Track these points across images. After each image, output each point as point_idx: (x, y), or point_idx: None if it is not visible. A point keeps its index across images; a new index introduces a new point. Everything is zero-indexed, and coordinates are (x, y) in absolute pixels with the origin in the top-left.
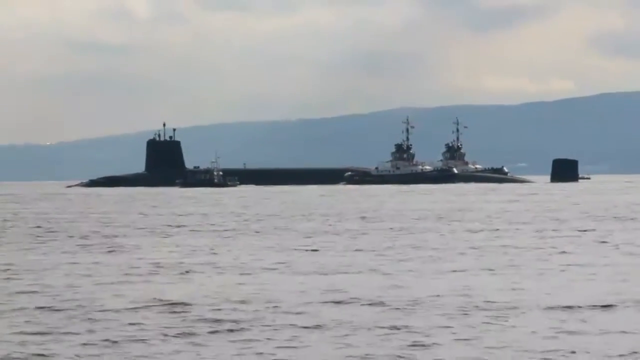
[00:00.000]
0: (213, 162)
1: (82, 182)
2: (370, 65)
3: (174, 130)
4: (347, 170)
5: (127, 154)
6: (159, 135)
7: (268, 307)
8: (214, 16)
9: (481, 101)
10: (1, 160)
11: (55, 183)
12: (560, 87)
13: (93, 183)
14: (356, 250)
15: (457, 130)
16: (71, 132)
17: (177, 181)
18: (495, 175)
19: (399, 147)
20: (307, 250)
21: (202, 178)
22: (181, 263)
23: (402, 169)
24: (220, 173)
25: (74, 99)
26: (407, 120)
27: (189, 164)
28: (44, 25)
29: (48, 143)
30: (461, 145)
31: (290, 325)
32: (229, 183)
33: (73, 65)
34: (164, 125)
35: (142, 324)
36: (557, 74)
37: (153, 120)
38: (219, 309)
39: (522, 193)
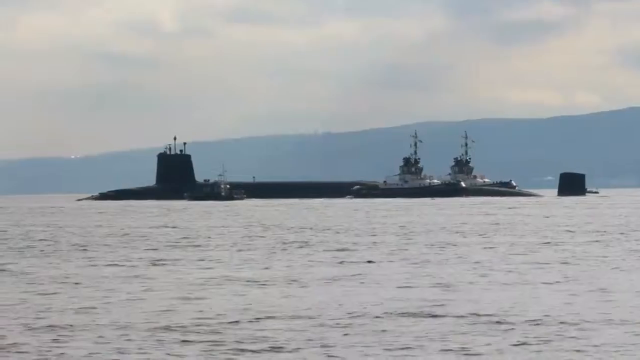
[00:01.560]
0: (220, 175)
1: (92, 196)
2: (395, 79)
3: (184, 144)
4: (355, 183)
5: (154, 167)
6: (170, 149)
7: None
8: (239, 30)
9: (506, 114)
10: (27, 173)
11: (67, 196)
12: (586, 101)
13: (103, 196)
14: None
15: (466, 144)
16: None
17: (185, 194)
18: (503, 189)
19: (407, 160)
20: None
21: (209, 191)
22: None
23: (410, 183)
24: (228, 186)
25: (99, 112)
26: (415, 134)
27: (215, 177)
28: (69, 36)
29: (73, 156)
30: (470, 159)
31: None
32: (235, 196)
33: (98, 78)
34: (175, 139)
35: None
36: (582, 87)
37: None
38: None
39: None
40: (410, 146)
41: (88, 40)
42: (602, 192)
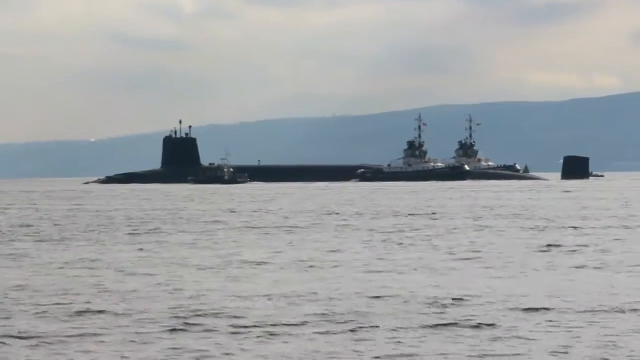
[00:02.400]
0: (223, 158)
1: (99, 179)
2: (414, 61)
3: (190, 127)
4: (359, 167)
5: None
6: (175, 132)
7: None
8: (262, 13)
9: (524, 97)
10: (49, 156)
11: (75, 180)
12: (605, 83)
13: (110, 179)
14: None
15: (470, 127)
16: (117, 128)
17: (189, 178)
18: (507, 172)
19: (411, 144)
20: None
21: (212, 175)
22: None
23: (414, 166)
24: (231, 170)
25: (120, 95)
26: (420, 117)
27: (237, 160)
28: (89, 20)
29: (93, 139)
30: (474, 142)
31: None
32: (239, 180)
33: (120, 61)
34: (180, 122)
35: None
36: (601, 69)
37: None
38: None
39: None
40: (415, 129)
41: (109, 23)
42: (615, 175)
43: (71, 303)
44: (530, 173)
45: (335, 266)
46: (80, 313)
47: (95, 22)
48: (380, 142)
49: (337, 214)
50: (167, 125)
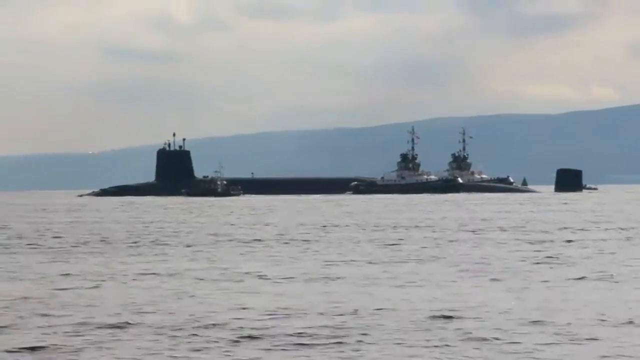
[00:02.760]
0: (216, 172)
1: (93, 192)
2: (411, 74)
3: (184, 139)
4: (353, 180)
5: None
6: (169, 145)
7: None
8: (257, 25)
9: (522, 110)
10: (48, 169)
11: (70, 192)
12: (602, 95)
13: (104, 192)
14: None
15: (464, 140)
16: (114, 140)
17: (182, 191)
18: (501, 185)
19: (404, 157)
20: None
21: (206, 187)
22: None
23: (407, 179)
24: (224, 182)
25: (116, 107)
26: (413, 130)
27: (233, 173)
28: (86, 31)
29: (91, 152)
30: (467, 155)
31: None
32: (232, 192)
33: (115, 73)
34: (174, 135)
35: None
36: (598, 81)
37: (195, 129)
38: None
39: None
40: (408, 142)
41: (105, 35)
42: (611, 187)
43: (94, 317)
44: (527, 186)
45: (339, 278)
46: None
47: (92, 34)
48: (376, 154)
49: (337, 226)
50: (165, 137)
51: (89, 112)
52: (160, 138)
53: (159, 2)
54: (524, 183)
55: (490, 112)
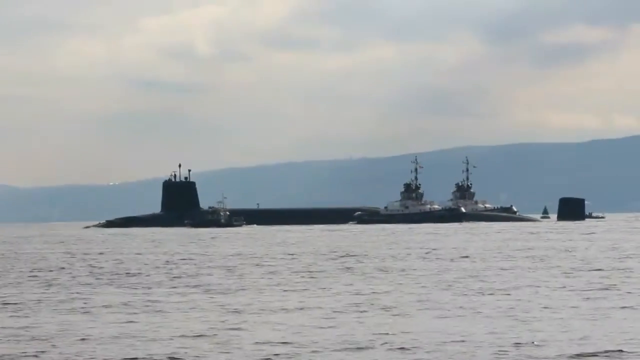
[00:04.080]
0: (219, 202)
1: (100, 223)
2: (432, 103)
3: (189, 171)
4: (356, 210)
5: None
6: (175, 176)
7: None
8: (277, 56)
9: (544, 139)
10: (67, 200)
11: (76, 224)
12: (623, 124)
13: (110, 223)
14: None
15: (467, 170)
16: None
17: (185, 221)
18: (504, 214)
19: (407, 186)
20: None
21: (209, 218)
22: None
23: (411, 208)
24: (227, 213)
25: (136, 138)
26: (416, 160)
27: (251, 204)
28: (104, 63)
29: (111, 183)
30: (471, 184)
31: None
32: (235, 223)
33: (133, 105)
34: (180, 166)
35: None
36: (619, 110)
37: (217, 160)
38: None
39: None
40: (411, 172)
41: (126, 67)
42: (634, 215)
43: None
44: (528, 215)
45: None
46: None
47: (113, 66)
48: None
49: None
50: (186, 167)
51: (110, 144)
52: (188, 169)
53: (181, 33)
54: (545, 212)
55: (512, 141)
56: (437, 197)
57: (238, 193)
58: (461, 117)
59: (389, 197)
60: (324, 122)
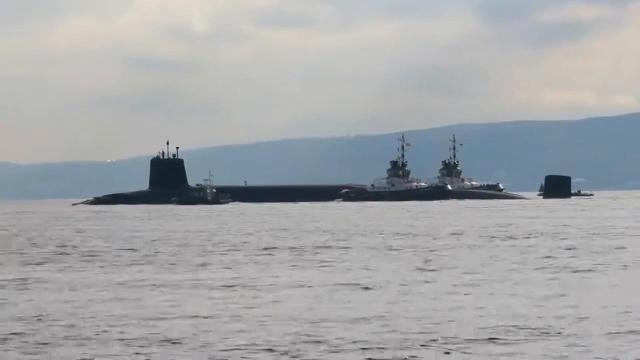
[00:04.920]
0: (206, 180)
1: (87, 200)
2: (429, 81)
3: (177, 148)
4: (343, 187)
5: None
6: (163, 154)
7: None
8: (274, 33)
9: (541, 117)
10: (69, 177)
11: (63, 201)
12: (621, 102)
13: (98, 200)
14: None
15: (454, 147)
16: (130, 149)
17: (172, 199)
18: (490, 192)
19: (394, 164)
20: None
21: (195, 195)
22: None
23: (397, 186)
24: (214, 190)
25: (134, 115)
26: (403, 137)
27: (255, 181)
28: (101, 41)
29: (109, 160)
30: (457, 162)
31: None
32: (221, 200)
33: (132, 82)
34: (168, 143)
35: None
36: (617, 88)
37: (214, 137)
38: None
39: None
40: (398, 150)
41: (123, 45)
42: (631, 193)
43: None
44: (512, 192)
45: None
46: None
47: (109, 44)
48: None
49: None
50: (182, 144)
51: (107, 121)
52: (177, 146)
53: (177, 11)
54: (541, 189)
55: (509, 118)
56: (427, 174)
57: (235, 170)
58: (457, 95)
59: (381, 175)
60: (320, 100)
